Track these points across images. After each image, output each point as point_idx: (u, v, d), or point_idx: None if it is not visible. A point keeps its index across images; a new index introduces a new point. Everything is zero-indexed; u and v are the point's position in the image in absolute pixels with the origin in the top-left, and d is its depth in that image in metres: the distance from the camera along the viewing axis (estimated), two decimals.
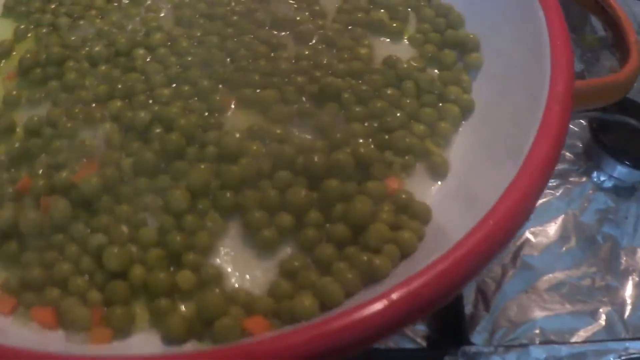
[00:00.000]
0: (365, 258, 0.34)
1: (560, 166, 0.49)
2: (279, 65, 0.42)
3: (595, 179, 0.48)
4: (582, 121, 0.50)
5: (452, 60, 0.43)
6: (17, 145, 0.39)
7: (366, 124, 0.40)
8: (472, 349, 0.39)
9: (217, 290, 0.33)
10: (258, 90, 0.41)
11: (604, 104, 0.40)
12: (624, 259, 0.45)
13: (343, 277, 0.33)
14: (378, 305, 0.28)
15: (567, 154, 0.50)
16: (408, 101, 0.40)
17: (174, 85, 0.41)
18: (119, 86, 0.41)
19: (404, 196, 0.37)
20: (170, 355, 0.30)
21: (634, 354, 0.41)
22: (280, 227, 0.35)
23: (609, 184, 0.48)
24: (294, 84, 0.41)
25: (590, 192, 0.48)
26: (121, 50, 0.43)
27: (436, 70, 0.43)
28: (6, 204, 0.36)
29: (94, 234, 0.35)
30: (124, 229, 0.35)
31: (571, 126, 0.51)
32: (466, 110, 0.41)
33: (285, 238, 0.36)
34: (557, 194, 0.48)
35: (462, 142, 0.40)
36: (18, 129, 0.40)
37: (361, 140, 0.38)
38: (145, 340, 0.33)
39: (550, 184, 0.48)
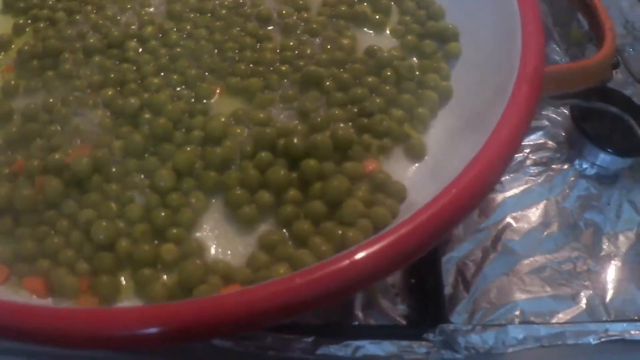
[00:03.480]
0: (339, 232, 0.35)
1: (542, 154, 0.50)
2: (264, 55, 0.44)
3: (577, 167, 0.49)
4: (565, 111, 0.51)
5: (432, 50, 0.44)
6: (14, 129, 0.41)
7: (346, 110, 0.41)
8: (450, 327, 0.40)
9: (198, 261, 0.35)
10: (243, 79, 0.43)
11: (580, 87, 0.41)
12: (605, 245, 0.46)
13: (318, 249, 0.35)
14: (341, 263, 0.30)
15: (550, 142, 0.50)
16: (387, 88, 0.42)
17: (163, 74, 0.43)
18: (111, 75, 0.43)
19: (380, 176, 0.38)
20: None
21: (613, 335, 0.42)
22: (260, 204, 0.37)
23: (591, 171, 0.49)
24: (277, 72, 0.43)
25: (573, 179, 0.48)
26: (114, 42, 0.45)
27: (416, 59, 0.45)
28: (2, 183, 0.38)
29: (84, 210, 0.37)
30: (112, 205, 0.37)
31: (554, 115, 0.52)
32: (444, 97, 0.42)
33: (265, 215, 0.37)
34: (539, 180, 0.48)
35: (440, 126, 0.42)
36: (15, 116, 0.42)
37: (341, 125, 0.40)
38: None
39: (532, 171, 0.48)
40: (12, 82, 0.44)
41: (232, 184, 0.37)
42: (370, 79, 0.42)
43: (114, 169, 0.38)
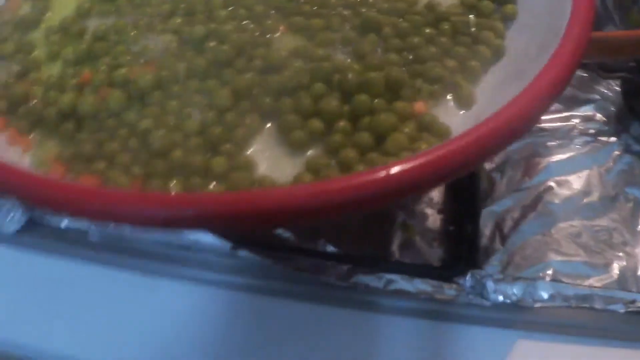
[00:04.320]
0: (382, 161, 0.37)
1: (590, 126, 0.50)
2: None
3: (623, 142, 0.49)
4: (617, 87, 0.52)
5: (489, 10, 0.45)
6: (84, 46, 0.43)
7: (402, 56, 0.42)
8: (482, 272, 0.41)
9: (246, 174, 0.37)
10: (307, 19, 0.44)
11: (628, 56, 0.42)
12: None
13: None
14: (377, 174, 0.31)
15: (599, 115, 0.51)
16: (443, 40, 0.43)
17: (231, 8, 0.45)
18: (182, 6, 0.45)
19: (427, 117, 0.39)
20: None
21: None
22: (311, 130, 0.39)
23: (636, 148, 0.49)
24: (340, 15, 0.44)
25: (617, 153, 0.48)
26: None
27: (473, 17, 0.46)
28: (69, 92, 0.41)
29: (144, 119, 0.39)
30: (171, 118, 0.39)
31: (605, 90, 0.52)
32: (496, 54, 0.43)
33: (314, 142, 0.39)
34: (585, 150, 0.49)
35: (490, 81, 0.42)
36: (86, 36, 0.45)
37: (395, 68, 0.41)
38: None
39: (578, 141, 0.49)
40: (86, 4, 0.46)
41: (287, 109, 0.39)
42: (427, 30, 0.44)
43: (175, 88, 0.40)
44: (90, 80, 0.41)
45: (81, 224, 0.45)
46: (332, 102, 0.39)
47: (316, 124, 0.39)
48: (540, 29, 0.42)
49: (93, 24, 0.45)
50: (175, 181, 0.37)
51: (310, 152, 0.38)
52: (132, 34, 0.43)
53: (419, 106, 0.40)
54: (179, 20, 0.44)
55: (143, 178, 0.37)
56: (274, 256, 0.40)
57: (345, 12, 0.44)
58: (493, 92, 0.42)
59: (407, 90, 0.40)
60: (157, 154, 0.38)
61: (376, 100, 0.39)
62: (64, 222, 0.46)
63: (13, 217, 0.47)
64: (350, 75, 0.39)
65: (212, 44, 0.42)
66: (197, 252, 0.42)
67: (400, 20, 0.44)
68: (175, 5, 0.45)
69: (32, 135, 0.41)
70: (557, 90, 0.37)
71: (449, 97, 0.41)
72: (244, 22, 0.44)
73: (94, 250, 0.43)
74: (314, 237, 0.42)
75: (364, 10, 0.44)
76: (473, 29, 0.44)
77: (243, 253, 0.41)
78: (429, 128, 0.39)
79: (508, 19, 0.45)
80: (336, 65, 0.40)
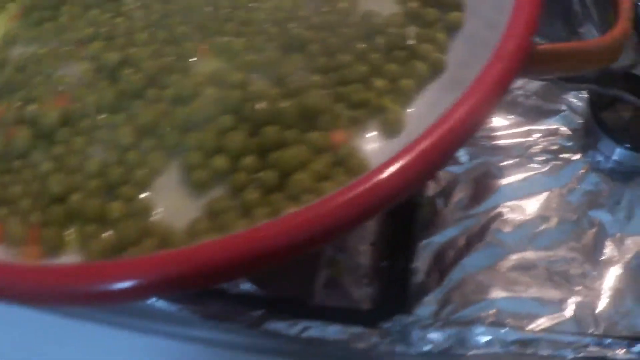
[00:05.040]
0: (283, 206, 0.34)
1: (553, 141, 0.45)
2: (255, 15, 0.42)
3: (590, 159, 0.44)
4: (586, 95, 0.46)
5: (433, 18, 0.41)
6: (3, 79, 0.42)
7: (328, 77, 0.39)
8: (409, 318, 0.38)
9: (138, 221, 0.35)
10: (230, 38, 0.41)
11: (581, 70, 0.37)
12: (608, 249, 0.41)
13: (257, 221, 0.33)
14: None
15: (564, 129, 0.46)
16: (375, 56, 0.39)
17: (153, 29, 0.42)
18: (103, 29, 0.42)
19: (343, 150, 0.36)
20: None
21: (593, 352, 0.38)
22: (214, 168, 0.36)
23: (605, 165, 0.44)
24: (265, 33, 0.41)
25: (583, 171, 0.44)
26: None
27: (417, 28, 0.41)
28: None
29: (45, 161, 0.37)
30: (73, 158, 0.37)
31: (574, 100, 0.47)
32: (435, 69, 0.39)
33: (220, 181, 0.36)
34: (545, 169, 0.44)
35: (426, 102, 0.38)
36: (8, 67, 0.42)
37: (316, 92, 0.38)
38: (71, 262, 0.34)
39: (538, 159, 0.44)
40: (13, 32, 0.45)
41: (191, 146, 0.36)
42: (359, 45, 0.40)
43: (83, 123, 0.38)
44: (2, 117, 0.39)
45: None
46: (237, 137, 0.36)
47: (220, 161, 0.36)
48: (485, 44, 0.38)
49: (17, 52, 0.43)
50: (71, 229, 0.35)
51: (214, 192, 0.36)
52: (51, 63, 0.41)
53: (338, 135, 0.37)
54: (99, 45, 0.42)
55: (39, 226, 0.35)
56: (181, 301, 0.38)
57: (272, 30, 0.41)
58: (427, 116, 0.37)
59: (325, 118, 0.37)
60: (55, 199, 0.36)
61: (288, 132, 0.36)
62: None
63: None
64: (258, 106, 0.36)
65: (126, 71, 0.40)
66: None
67: (330, 35, 0.40)
68: (97, 29, 0.43)
69: None
70: (477, 119, 0.33)
71: (374, 123, 0.38)
72: (165, 44, 0.41)
73: None
74: None
75: (291, 26, 0.41)
76: (412, 42, 0.40)
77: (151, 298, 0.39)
78: (344, 163, 0.36)
79: (453, 29, 0.41)
80: (247, 93, 0.37)
